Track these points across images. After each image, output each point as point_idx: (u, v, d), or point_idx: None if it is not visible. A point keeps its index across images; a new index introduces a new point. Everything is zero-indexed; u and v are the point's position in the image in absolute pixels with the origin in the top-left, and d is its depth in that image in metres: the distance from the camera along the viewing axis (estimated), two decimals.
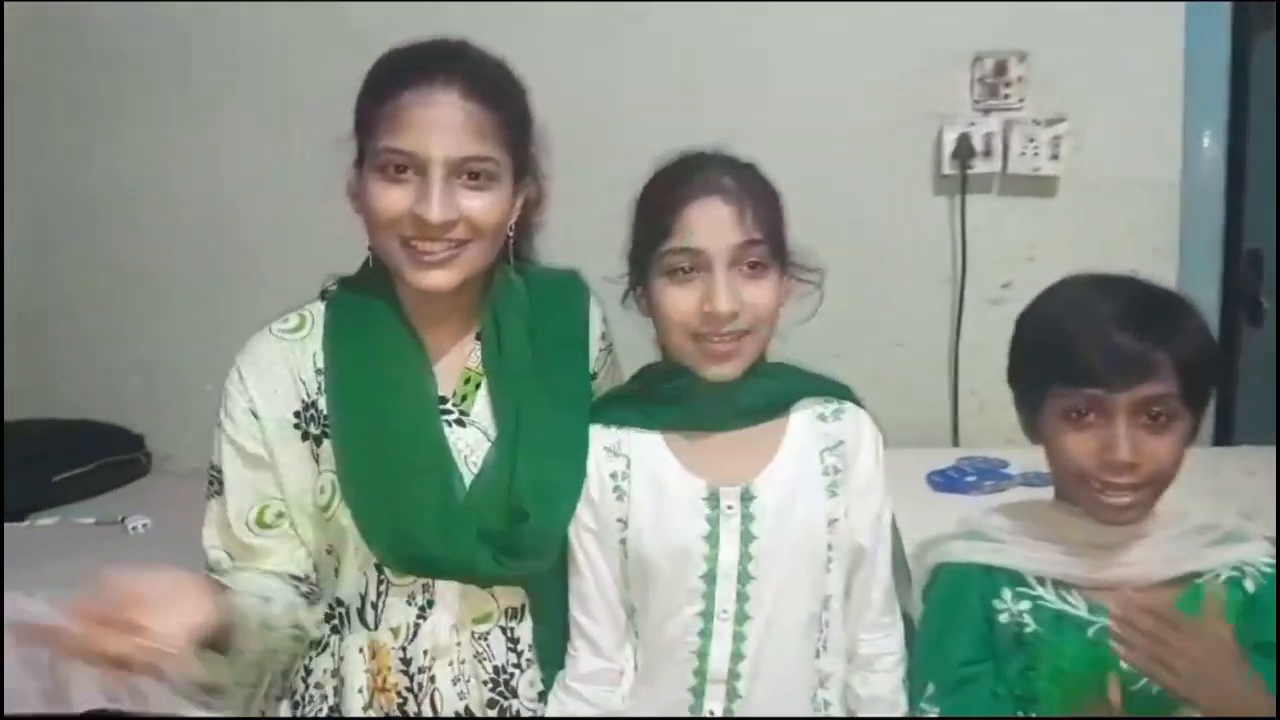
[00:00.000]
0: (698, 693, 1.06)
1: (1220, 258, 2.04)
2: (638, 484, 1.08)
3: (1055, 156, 1.93)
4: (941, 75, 1.99)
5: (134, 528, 1.84)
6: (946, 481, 1.71)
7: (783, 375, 1.12)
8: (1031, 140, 1.94)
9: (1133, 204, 1.99)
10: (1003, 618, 1.04)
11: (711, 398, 1.07)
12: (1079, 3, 1.93)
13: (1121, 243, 1.96)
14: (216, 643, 0.92)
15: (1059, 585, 1.03)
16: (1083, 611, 1.01)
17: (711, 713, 1.05)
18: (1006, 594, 1.04)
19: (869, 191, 2.01)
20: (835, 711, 1.09)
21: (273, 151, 2.10)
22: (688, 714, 1.06)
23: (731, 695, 1.05)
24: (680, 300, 1.03)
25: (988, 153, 1.95)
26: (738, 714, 1.05)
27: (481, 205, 1.02)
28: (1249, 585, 1.01)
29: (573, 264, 1.20)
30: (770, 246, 1.04)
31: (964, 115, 1.98)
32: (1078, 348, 0.97)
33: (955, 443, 2.02)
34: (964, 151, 1.95)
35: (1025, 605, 1.03)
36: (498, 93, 1.03)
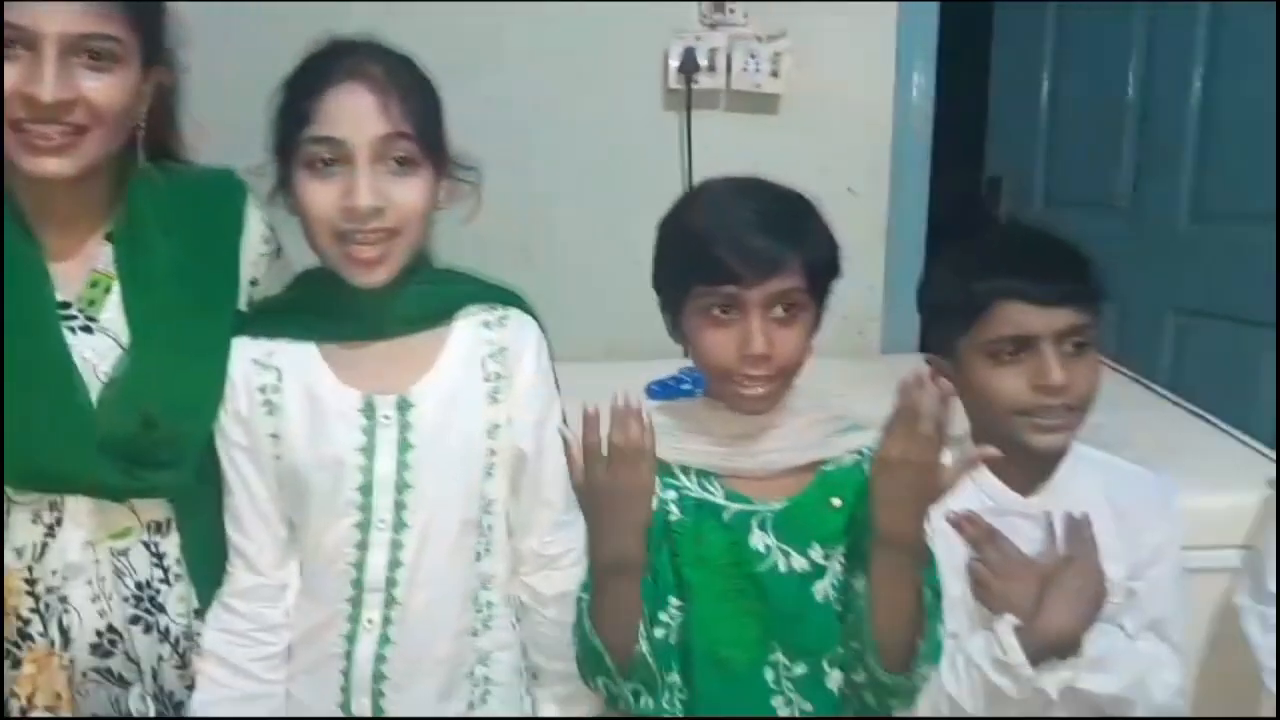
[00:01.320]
0: (355, 602, 1.05)
1: (929, 178, 2.18)
2: (290, 397, 1.05)
3: (776, 74, 1.99)
4: None
5: None
6: (664, 390, 1.77)
7: (446, 282, 1.10)
8: (753, 56, 1.98)
9: (849, 124, 2.08)
10: None
11: (367, 306, 1.04)
12: None
13: (838, 163, 2.04)
14: None
15: (701, 475, 1.08)
16: (719, 498, 1.07)
17: (370, 621, 1.05)
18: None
19: (600, 108, 2.01)
20: (498, 611, 1.12)
21: None
22: (346, 623, 1.06)
23: (390, 603, 1.05)
24: (321, 194, 0.98)
25: (713, 68, 1.99)
26: (396, 621, 1.06)
27: (101, 87, 0.95)
28: (866, 468, 1.09)
29: None
30: (421, 143, 1.00)
31: (693, 30, 2.00)
32: (716, 248, 1.01)
33: (686, 354, 2.08)
34: (689, 66, 1.98)
35: (671, 495, 1.07)
36: None
